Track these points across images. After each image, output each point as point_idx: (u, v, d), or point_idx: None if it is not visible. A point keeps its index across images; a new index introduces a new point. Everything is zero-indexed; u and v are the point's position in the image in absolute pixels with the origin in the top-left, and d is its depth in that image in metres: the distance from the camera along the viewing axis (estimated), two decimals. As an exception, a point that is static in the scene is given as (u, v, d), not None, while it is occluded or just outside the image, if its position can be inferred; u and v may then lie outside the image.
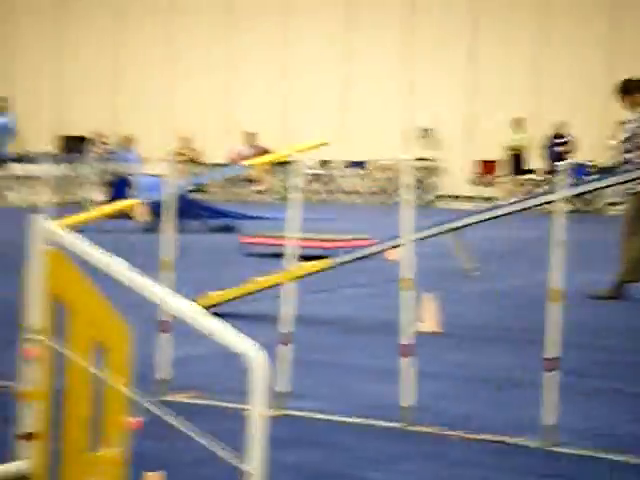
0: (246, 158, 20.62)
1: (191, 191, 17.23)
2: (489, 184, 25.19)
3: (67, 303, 3.35)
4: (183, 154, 25.21)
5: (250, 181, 24.70)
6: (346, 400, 5.68)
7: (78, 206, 19.38)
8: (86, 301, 3.37)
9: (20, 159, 21.99)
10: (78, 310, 3.35)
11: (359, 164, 25.99)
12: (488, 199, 23.86)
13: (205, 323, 3.07)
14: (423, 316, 7.83)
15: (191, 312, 3.11)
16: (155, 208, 15.34)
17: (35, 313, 3.26)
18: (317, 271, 8.35)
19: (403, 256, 5.23)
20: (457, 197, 25.36)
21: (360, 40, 26.52)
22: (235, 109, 26.80)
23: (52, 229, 3.29)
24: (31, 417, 3.21)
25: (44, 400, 3.25)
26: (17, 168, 21.78)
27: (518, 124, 24.19)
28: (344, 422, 5.23)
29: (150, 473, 3.32)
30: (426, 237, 8.37)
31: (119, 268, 3.24)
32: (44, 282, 3.28)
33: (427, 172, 25.40)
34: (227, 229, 16.52)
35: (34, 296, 3.28)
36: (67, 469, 3.26)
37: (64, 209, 16.99)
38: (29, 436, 3.21)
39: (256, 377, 2.91)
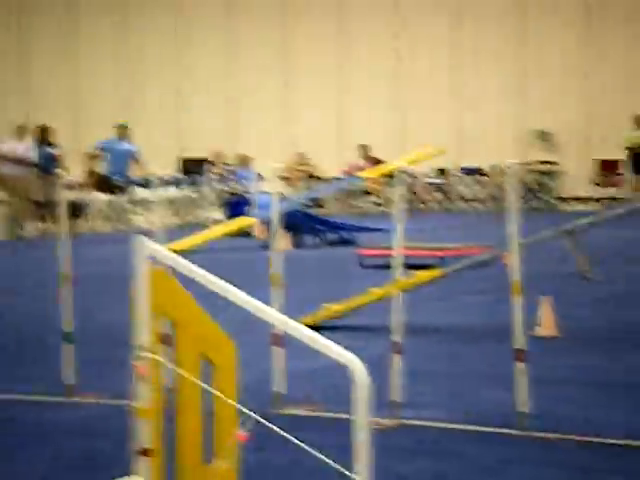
0: (361, 170, 20.67)
1: (308, 206, 17.35)
2: (612, 184, 24.73)
3: (173, 321, 3.42)
4: (299, 170, 25.41)
5: (366, 193, 24.75)
6: (462, 408, 5.65)
7: (199, 226, 19.73)
8: (191, 318, 3.44)
9: (143, 183, 22.48)
10: (184, 327, 3.42)
11: (476, 171, 25.80)
12: (612, 199, 23.41)
13: (309, 337, 3.11)
14: (541, 320, 7.73)
15: (295, 327, 3.15)
16: (272, 225, 15.54)
17: (143, 332, 3.34)
18: (431, 280, 8.33)
19: (513, 260, 5.19)
20: (579, 199, 24.95)
21: (469, 44, 26.37)
22: (349, 122, 26.91)
23: (154, 248, 3.37)
24: (146, 433, 3.29)
25: (156, 416, 3.32)
26: (141, 192, 22.27)
27: (638, 122, 23.68)
28: (460, 430, 5.20)
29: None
30: (539, 240, 8.27)
31: (221, 285, 3.29)
32: (150, 301, 3.35)
33: (548, 175, 25.08)
34: (344, 242, 16.57)
35: (141, 315, 3.35)
36: (181, 482, 3.33)
37: (185, 230, 17.33)
38: (145, 451, 3.28)
39: (358, 387, 2.92)
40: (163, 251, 3.40)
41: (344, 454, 3.23)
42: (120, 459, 4.48)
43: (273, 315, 3.28)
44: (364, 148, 25.04)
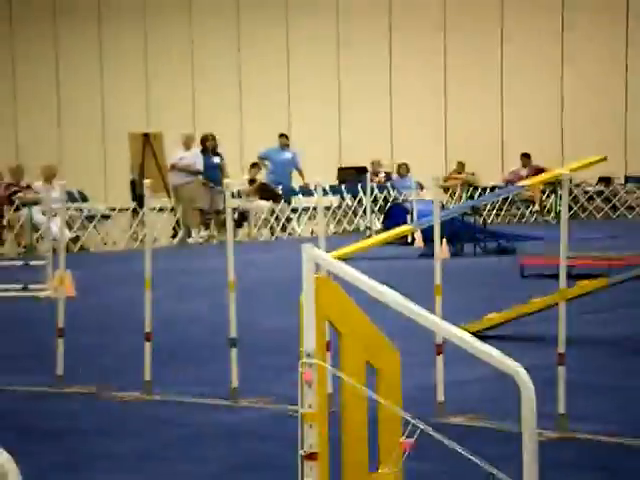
0: (522, 179, 20.42)
1: (467, 214, 17.23)
2: None
3: (338, 327, 3.47)
4: (458, 178, 25.28)
5: (526, 202, 24.43)
6: (630, 423, 5.52)
7: (358, 234, 19.83)
8: (356, 325, 3.48)
9: (304, 192, 22.76)
10: (349, 334, 3.46)
11: (640, 178, 25.18)
12: None
13: (473, 345, 3.11)
14: None
15: (459, 335, 3.16)
16: (431, 233, 15.51)
17: (309, 338, 3.39)
18: (595, 290, 8.17)
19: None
20: None
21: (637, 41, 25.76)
22: (509, 130, 26.63)
23: (320, 256, 3.43)
24: (312, 437, 3.34)
25: (321, 421, 3.38)
26: (301, 200, 22.56)
27: None
28: (630, 445, 5.08)
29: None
30: None
31: (387, 293, 3.33)
32: (316, 308, 3.41)
33: None
34: (504, 251, 16.39)
35: (308, 322, 3.41)
36: (346, 488, 3.37)
37: (344, 238, 17.46)
38: (311, 455, 3.33)
39: (524, 397, 2.91)
40: (329, 258, 3.46)
41: (506, 465, 3.21)
42: (284, 462, 4.57)
43: (437, 323, 3.30)
44: (526, 156, 24.74)
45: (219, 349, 7.12)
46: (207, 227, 20.57)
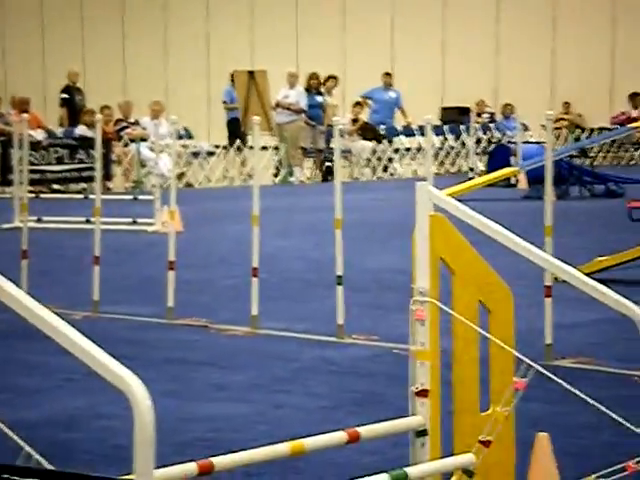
0: (631, 120, 19.99)
1: (574, 156, 16.95)
2: None
3: (451, 266, 3.45)
4: (564, 119, 24.84)
5: (636, 144, 23.91)
6: None
7: (460, 176, 19.68)
8: (469, 264, 3.46)
9: (406, 132, 22.63)
10: (461, 273, 3.45)
11: None
12: None
13: (589, 285, 3.07)
14: None
15: (577, 277, 3.12)
16: (535, 175, 15.29)
17: (421, 276, 3.39)
18: None
19: None
20: None
21: None
22: (619, 70, 26.02)
23: (435, 195, 3.41)
24: (423, 375, 3.35)
25: (433, 359, 3.38)
26: (403, 141, 22.44)
27: None
28: None
29: (541, 434, 3.36)
30: None
31: (504, 232, 3.31)
32: (429, 246, 3.40)
33: None
34: (612, 194, 16.11)
35: (420, 260, 3.40)
36: (458, 426, 3.37)
37: (447, 179, 17.35)
38: (423, 392, 3.35)
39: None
40: (444, 196, 3.44)
41: (618, 409, 3.18)
42: (392, 399, 4.60)
43: (553, 262, 3.26)
44: (635, 96, 24.16)
45: (324, 287, 7.18)
46: (317, 166, 20.61)
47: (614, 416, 2.89)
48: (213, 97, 26.00)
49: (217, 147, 20.49)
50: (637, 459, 2.79)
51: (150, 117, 19.29)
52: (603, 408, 2.94)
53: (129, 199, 13.77)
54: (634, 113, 23.31)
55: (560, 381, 4.24)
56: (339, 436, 3.15)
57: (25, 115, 9.66)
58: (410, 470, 3.14)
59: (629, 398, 4.67)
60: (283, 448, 2.97)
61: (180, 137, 19.93)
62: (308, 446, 3.06)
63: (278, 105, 20.23)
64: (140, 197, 13.95)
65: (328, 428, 3.23)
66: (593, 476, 2.89)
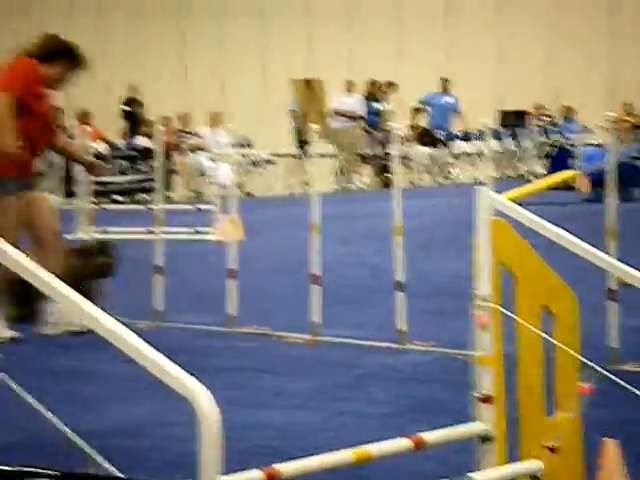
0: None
1: (636, 158, 16.76)
2: None
3: (513, 271, 3.43)
4: (626, 120, 24.56)
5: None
6: None
7: (520, 180, 19.55)
8: (531, 268, 3.44)
9: (464, 137, 22.55)
10: (524, 277, 3.43)
11: None
12: None
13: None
14: None
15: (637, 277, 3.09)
16: (596, 178, 15.14)
17: (483, 281, 3.38)
18: None
19: None
20: None
21: None
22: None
23: (496, 199, 3.39)
24: (487, 381, 3.33)
25: (497, 364, 3.36)
26: (461, 146, 22.36)
27: None
28: None
29: (609, 439, 3.33)
30: None
31: (566, 236, 3.29)
32: (491, 251, 3.39)
33: None
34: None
35: (482, 265, 3.39)
36: (523, 432, 3.35)
37: (506, 183, 17.24)
38: (486, 399, 3.33)
39: None
40: (504, 200, 3.42)
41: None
42: (455, 406, 4.58)
43: (616, 265, 3.23)
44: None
45: (384, 293, 7.16)
46: (375, 172, 20.59)
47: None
48: (271, 105, 26.10)
49: (276, 155, 20.57)
50: None
51: (209, 126, 19.43)
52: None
53: (190, 209, 13.87)
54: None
55: (627, 385, 4.20)
56: (404, 442, 3.14)
57: (87, 127, 9.77)
58: (475, 476, 3.13)
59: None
60: (348, 455, 2.97)
61: (240, 146, 20.04)
62: (373, 453, 3.06)
63: (336, 112, 20.26)
64: (201, 207, 14.05)
65: (390, 435, 3.23)
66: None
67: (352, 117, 20.23)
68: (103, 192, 17.25)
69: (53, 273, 5.84)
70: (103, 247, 7.13)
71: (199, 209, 13.78)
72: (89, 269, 6.91)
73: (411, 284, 6.63)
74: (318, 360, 5.98)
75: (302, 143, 20.39)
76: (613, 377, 3.27)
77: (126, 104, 20.98)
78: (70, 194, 16.94)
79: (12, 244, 5.98)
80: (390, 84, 21.30)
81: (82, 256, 6.96)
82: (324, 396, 5.13)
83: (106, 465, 2.31)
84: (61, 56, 6.53)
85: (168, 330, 6.90)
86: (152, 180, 17.22)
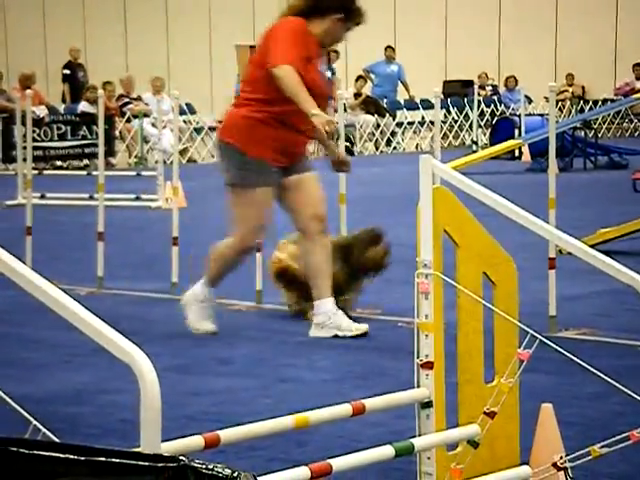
0: (635, 91, 19.91)
1: (577, 129, 16.92)
2: None
3: (455, 238, 3.45)
4: (568, 91, 24.76)
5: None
6: None
7: (464, 149, 19.65)
8: (473, 236, 3.46)
9: (409, 106, 22.58)
10: (465, 245, 3.45)
11: None
12: None
13: (593, 256, 3.07)
14: None
15: (581, 248, 3.12)
16: (538, 148, 15.27)
17: (425, 249, 3.39)
18: None
19: None
20: None
21: None
22: (622, 40, 25.91)
23: (439, 168, 3.40)
24: (428, 347, 3.36)
25: (438, 331, 3.39)
26: (405, 115, 22.39)
27: None
28: None
29: (545, 404, 3.38)
30: None
31: (507, 205, 3.31)
32: (433, 219, 3.40)
33: None
34: (615, 166, 16.09)
35: (424, 233, 3.41)
36: (463, 397, 3.39)
37: (450, 152, 17.32)
38: (427, 365, 3.36)
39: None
40: (447, 169, 3.44)
41: (622, 379, 3.18)
42: (396, 372, 4.61)
43: (556, 234, 3.26)
44: (637, 67, 24.09)
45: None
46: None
47: (618, 386, 2.90)
48: (215, 72, 25.95)
49: (220, 122, 20.43)
50: (641, 428, 2.82)
51: (152, 93, 19.25)
52: (607, 378, 2.94)
53: (132, 175, 13.77)
54: (638, 84, 23.23)
55: (564, 352, 4.25)
56: (344, 409, 3.16)
57: (29, 91, 9.63)
58: (415, 441, 3.16)
59: (633, 368, 4.69)
60: (288, 421, 2.98)
61: (182, 113, 19.90)
62: (313, 419, 3.07)
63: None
64: (143, 173, 13.94)
65: (333, 401, 3.25)
66: (597, 446, 2.90)
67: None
68: (43, 157, 17.06)
69: (321, 264, 5.58)
70: (375, 236, 6.13)
71: (140, 175, 13.70)
72: (364, 262, 5.99)
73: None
74: (261, 327, 5.99)
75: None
76: (551, 344, 3.31)
77: (66, 68, 20.71)
78: (9, 159, 16.76)
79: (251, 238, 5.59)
80: (333, 51, 21.18)
81: (355, 248, 6.01)
82: (267, 363, 5.14)
83: (45, 431, 2.30)
84: (334, 10, 5.61)
85: (110, 297, 6.86)
86: (94, 146, 17.10)
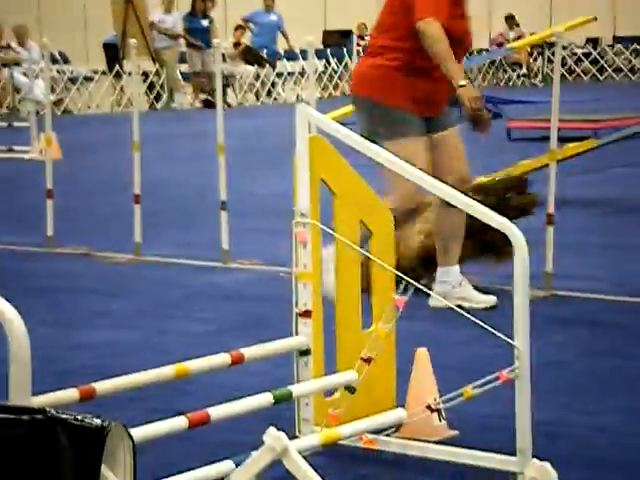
0: (509, 41, 20.21)
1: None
2: None
3: (332, 188, 3.47)
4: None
5: (514, 65, 24.23)
6: (616, 280, 5.62)
7: (344, 99, 19.68)
8: (349, 185, 3.48)
9: (288, 56, 22.48)
10: (342, 194, 3.47)
11: (632, 40, 24.85)
12: None
13: (466, 203, 3.12)
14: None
15: (448, 192, 3.16)
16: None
17: (302, 198, 3.40)
18: (582, 152, 8.19)
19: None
20: None
21: None
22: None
23: (315, 116, 3.40)
24: (306, 296, 3.38)
25: (316, 280, 3.41)
26: (286, 65, 22.30)
27: None
28: (616, 301, 5.17)
29: (420, 349, 3.44)
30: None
31: (382, 153, 3.33)
32: (309, 168, 3.41)
33: None
34: (492, 115, 16.31)
35: (301, 182, 3.41)
36: (340, 345, 3.43)
37: (330, 103, 17.35)
38: (305, 313, 3.38)
39: (517, 254, 2.94)
40: (324, 118, 3.44)
41: (497, 323, 3.26)
42: (278, 321, 4.63)
43: (433, 183, 3.29)
44: (511, 19, 24.44)
45: (209, 213, 7.14)
46: (202, 90, 20.30)
47: (489, 329, 2.97)
48: (90, 21, 25.37)
49: (96, 72, 20.06)
50: (509, 368, 2.89)
51: (16, 42, 18.73)
52: (479, 321, 3.01)
53: (4, 126, 13.44)
54: (511, 34, 23.58)
55: (438, 297, 4.34)
56: (223, 358, 3.17)
57: None
58: (294, 388, 3.19)
59: (506, 311, 4.79)
60: (167, 371, 2.98)
61: (55, 62, 19.43)
62: (192, 369, 3.07)
63: (152, 27, 19.85)
64: (15, 124, 13.62)
65: (214, 352, 3.25)
66: (469, 387, 2.97)
67: (171, 36, 19.91)
68: None
69: (456, 229, 4.85)
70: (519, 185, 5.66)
71: (11, 125, 13.37)
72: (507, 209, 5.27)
73: (235, 204, 6.62)
74: (141, 280, 5.94)
75: (121, 60, 19.93)
76: (426, 290, 3.36)
77: None
78: None
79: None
80: (210, 0, 20.93)
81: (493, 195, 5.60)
82: (147, 315, 5.11)
83: None
84: None
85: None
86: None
